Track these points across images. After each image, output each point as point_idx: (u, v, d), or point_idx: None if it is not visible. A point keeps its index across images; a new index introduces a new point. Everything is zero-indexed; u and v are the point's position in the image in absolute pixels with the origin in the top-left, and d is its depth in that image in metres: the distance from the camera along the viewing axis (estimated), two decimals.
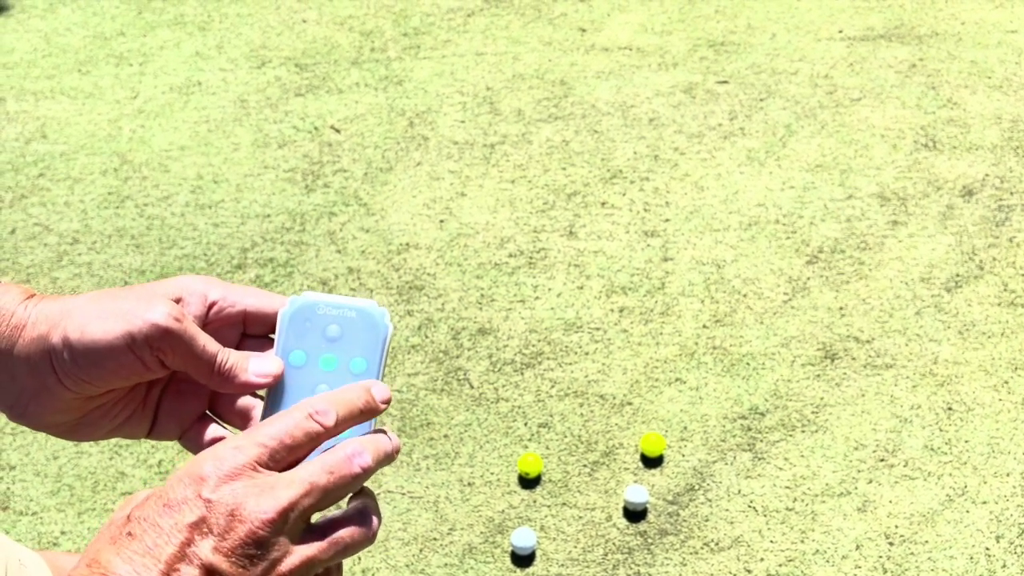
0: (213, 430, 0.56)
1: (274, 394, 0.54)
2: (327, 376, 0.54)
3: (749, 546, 1.47)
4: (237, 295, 0.55)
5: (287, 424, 0.48)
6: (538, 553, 1.48)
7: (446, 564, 1.47)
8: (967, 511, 1.50)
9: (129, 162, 2.20)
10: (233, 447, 0.47)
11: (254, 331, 0.57)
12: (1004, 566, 1.43)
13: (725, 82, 2.34)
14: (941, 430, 1.61)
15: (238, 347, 0.57)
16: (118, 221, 2.06)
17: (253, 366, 0.53)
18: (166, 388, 0.56)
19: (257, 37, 2.56)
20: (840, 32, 2.49)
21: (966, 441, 1.59)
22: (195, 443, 0.56)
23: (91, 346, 0.50)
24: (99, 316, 0.50)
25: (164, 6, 2.69)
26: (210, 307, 0.55)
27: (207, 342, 0.52)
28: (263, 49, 2.52)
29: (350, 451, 0.48)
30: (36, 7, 2.70)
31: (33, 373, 0.51)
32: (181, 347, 0.51)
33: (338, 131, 2.26)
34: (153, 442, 1.64)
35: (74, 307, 0.51)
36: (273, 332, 0.56)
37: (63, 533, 1.52)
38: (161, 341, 0.50)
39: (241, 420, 0.56)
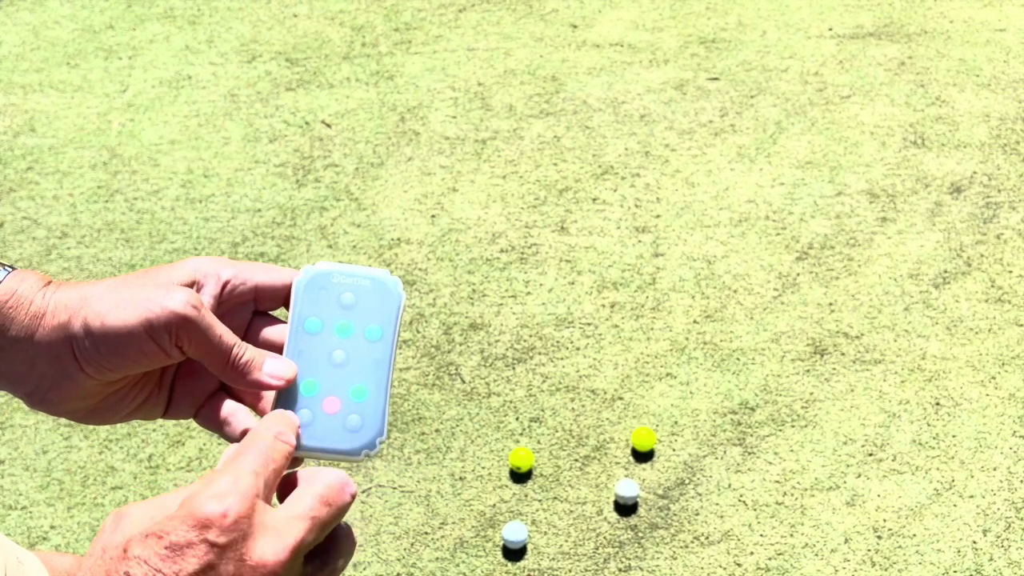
0: (228, 406, 0.56)
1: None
2: (343, 343, 0.54)
3: (739, 540, 1.48)
4: (248, 272, 0.56)
5: (264, 450, 0.47)
6: (529, 547, 1.48)
7: (437, 558, 1.47)
8: (954, 505, 1.51)
9: (119, 156, 2.19)
10: (232, 480, 0.45)
11: (265, 307, 0.57)
12: (991, 559, 1.44)
13: (716, 79, 2.35)
14: (929, 425, 1.62)
15: (248, 326, 0.57)
16: (108, 215, 2.05)
17: (268, 366, 0.53)
18: (179, 367, 0.57)
19: (247, 31, 2.55)
20: (830, 30, 2.50)
21: (953, 436, 1.61)
22: (210, 419, 0.56)
23: (112, 334, 0.50)
24: (118, 304, 0.51)
25: None
26: (224, 286, 0.55)
27: (224, 332, 0.52)
28: (253, 43, 2.51)
29: (341, 481, 0.48)
30: (24, 0, 2.69)
31: (54, 361, 0.51)
32: (198, 335, 0.51)
33: (329, 126, 2.26)
34: (143, 436, 1.63)
35: (92, 295, 0.52)
36: (282, 307, 0.57)
37: (52, 527, 1.52)
38: (180, 329, 0.51)
39: (253, 395, 0.56)
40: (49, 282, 0.53)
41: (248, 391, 0.56)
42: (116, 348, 0.51)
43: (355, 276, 0.55)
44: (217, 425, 0.56)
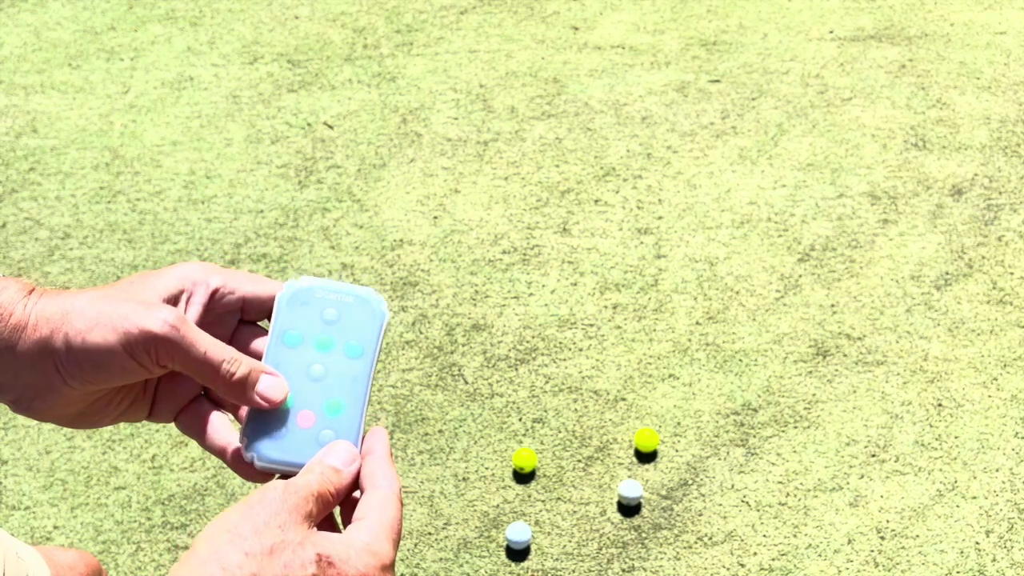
0: (213, 416, 0.56)
1: None
2: (322, 358, 0.54)
3: (742, 540, 1.48)
4: (236, 281, 0.56)
5: (396, 520, 0.51)
6: (533, 547, 1.48)
7: (441, 559, 1.47)
8: (957, 506, 1.51)
9: (121, 157, 2.19)
10: (369, 552, 0.48)
11: (251, 317, 0.57)
12: (993, 560, 1.45)
13: (717, 81, 2.35)
14: (931, 426, 1.63)
15: (233, 333, 0.57)
16: (110, 216, 2.05)
17: (263, 385, 0.53)
18: None
19: (249, 33, 2.55)
20: (831, 32, 2.50)
21: (956, 437, 1.61)
22: (188, 427, 0.56)
23: (92, 352, 0.50)
24: (99, 322, 0.50)
25: (155, 1, 2.68)
26: (212, 295, 0.55)
27: (209, 347, 0.52)
28: (255, 45, 2.51)
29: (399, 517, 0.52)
30: (26, 1, 2.69)
31: (37, 373, 0.51)
32: (180, 354, 0.51)
33: (331, 127, 2.26)
34: (147, 436, 1.63)
35: (73, 309, 0.51)
36: (269, 318, 0.56)
37: (56, 527, 1.52)
38: (159, 348, 0.51)
39: (234, 404, 0.56)
40: (32, 290, 0.53)
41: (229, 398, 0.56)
42: (98, 365, 0.51)
43: (339, 292, 0.55)
44: (196, 433, 0.56)
